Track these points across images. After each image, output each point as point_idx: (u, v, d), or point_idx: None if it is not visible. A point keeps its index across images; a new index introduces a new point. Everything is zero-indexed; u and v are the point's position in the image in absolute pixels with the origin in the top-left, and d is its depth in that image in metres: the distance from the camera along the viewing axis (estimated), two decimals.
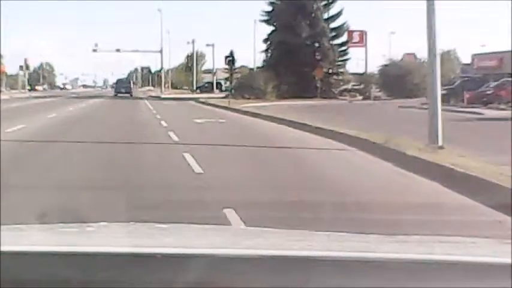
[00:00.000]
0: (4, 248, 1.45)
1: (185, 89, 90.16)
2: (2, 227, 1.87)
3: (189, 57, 69.41)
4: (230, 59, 42.57)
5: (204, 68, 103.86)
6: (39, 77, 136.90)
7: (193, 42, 64.88)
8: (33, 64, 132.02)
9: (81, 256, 1.46)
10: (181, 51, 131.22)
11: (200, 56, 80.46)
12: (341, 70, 53.68)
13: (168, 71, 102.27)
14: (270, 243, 1.83)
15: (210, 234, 2.02)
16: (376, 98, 46.09)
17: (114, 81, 77.18)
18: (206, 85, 73.07)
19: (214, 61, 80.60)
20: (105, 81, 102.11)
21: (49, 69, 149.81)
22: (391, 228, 4.01)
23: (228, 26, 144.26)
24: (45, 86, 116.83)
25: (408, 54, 57.75)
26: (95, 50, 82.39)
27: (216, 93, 72.99)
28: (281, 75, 47.91)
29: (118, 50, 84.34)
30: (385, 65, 51.66)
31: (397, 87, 46.63)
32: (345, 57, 53.81)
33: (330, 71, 52.34)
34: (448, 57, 48.36)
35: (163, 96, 64.58)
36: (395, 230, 2.94)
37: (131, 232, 2.00)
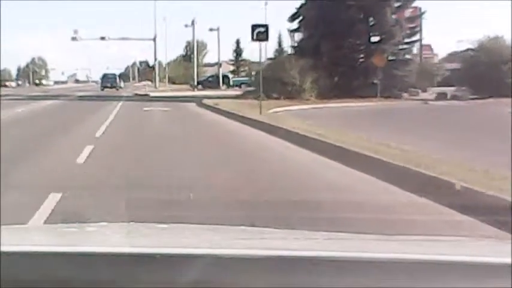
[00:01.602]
0: (4, 248, 1.45)
1: (184, 84, 76.69)
2: (2, 227, 1.87)
3: (188, 46, 48.86)
4: (262, 31, 21.84)
5: (205, 60, 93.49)
6: (34, 73, 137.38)
7: (193, 23, 45.11)
8: (25, 59, 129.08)
9: (81, 256, 1.48)
10: (180, 41, 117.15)
11: (201, 46, 61.24)
12: (408, 57, 38.61)
13: (166, 64, 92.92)
14: (270, 243, 1.81)
15: (210, 234, 1.97)
16: (456, 98, 33.99)
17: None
18: (210, 79, 56.06)
19: (220, 49, 60.69)
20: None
21: (41, 64, 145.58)
22: None
23: (232, 11, 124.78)
24: (20, 82, 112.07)
25: (424, 45, 47.11)
26: (74, 38, 72.61)
27: (223, 90, 62.00)
28: (321, 66, 33.47)
29: (103, 38, 74.57)
30: (471, 49, 37.56)
31: (484, 82, 32.80)
32: (413, 39, 38.42)
33: (394, 58, 36.79)
34: (495, 45, 36.74)
35: (153, 94, 51.12)
36: None
37: (131, 232, 1.97)
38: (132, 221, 2.34)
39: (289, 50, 39.74)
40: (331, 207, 6.05)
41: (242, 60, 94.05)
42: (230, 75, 69.30)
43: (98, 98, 41.31)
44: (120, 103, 30.68)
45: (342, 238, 1.90)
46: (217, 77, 63.14)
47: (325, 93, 31.51)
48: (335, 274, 1.35)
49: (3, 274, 1.34)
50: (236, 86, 66.30)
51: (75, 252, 1.48)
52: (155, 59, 68.68)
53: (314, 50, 33.61)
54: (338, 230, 3.44)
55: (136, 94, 50.13)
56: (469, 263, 1.40)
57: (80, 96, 44.67)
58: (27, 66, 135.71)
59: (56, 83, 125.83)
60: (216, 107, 24.24)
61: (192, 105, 28.32)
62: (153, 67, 69.11)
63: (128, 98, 39.28)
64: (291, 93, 31.43)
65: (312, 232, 2.00)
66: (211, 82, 62.69)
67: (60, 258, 1.43)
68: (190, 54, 56.55)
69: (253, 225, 2.20)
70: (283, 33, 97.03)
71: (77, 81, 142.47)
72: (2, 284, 1.35)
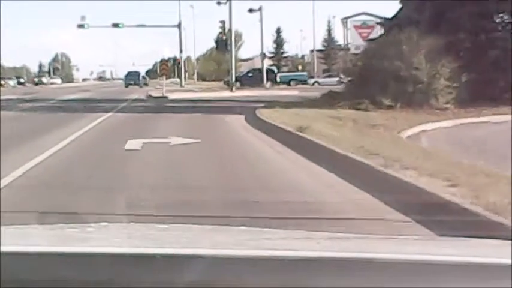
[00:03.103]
0: (4, 248, 1.49)
1: (216, 81, 63.79)
2: (2, 227, 1.92)
3: (223, 33, 30.65)
4: None
5: (239, 54, 75.62)
6: (55, 69, 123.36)
7: None
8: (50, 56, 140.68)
9: (81, 256, 1.53)
10: (210, 32, 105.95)
11: (236, 37, 44.14)
12: None
13: (195, 59, 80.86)
14: (270, 243, 1.84)
15: (210, 235, 1.99)
16: None
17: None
18: (250, 74, 35.94)
19: (263, 34, 44.66)
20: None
21: (65, 60, 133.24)
22: None
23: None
24: (22, 79, 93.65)
25: None
26: (81, 26, 56.80)
27: (268, 88, 45.66)
28: (442, 51, 19.77)
29: (116, 25, 58.38)
30: None
31: None
32: None
33: None
34: None
35: (174, 96, 35.44)
36: None
37: (131, 233, 1.96)
38: (132, 221, 2.41)
39: (342, 41, 37.25)
40: None
41: (284, 55, 79.80)
42: (276, 70, 54.14)
43: (86, 103, 30.77)
44: (104, 117, 20.16)
45: (342, 238, 1.93)
46: (260, 71, 48.05)
47: (466, 99, 19.23)
48: (335, 274, 1.39)
49: (3, 274, 1.37)
50: (284, 83, 55.55)
51: (75, 252, 1.52)
52: (180, 51, 56.22)
53: (429, 26, 20.58)
54: None
55: (150, 96, 38.58)
56: (469, 263, 1.44)
57: (63, 101, 34.32)
58: (51, 62, 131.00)
59: (84, 80, 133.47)
60: (310, 139, 11.53)
61: (240, 123, 17.13)
62: (177, 60, 54.26)
63: (131, 104, 29.56)
64: (413, 98, 18.99)
65: (312, 232, 1.99)
66: (252, 78, 49.76)
67: (60, 258, 1.46)
68: (226, 40, 40.90)
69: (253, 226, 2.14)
70: (334, 20, 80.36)
71: (100, 78, 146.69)
72: (2, 284, 1.37)
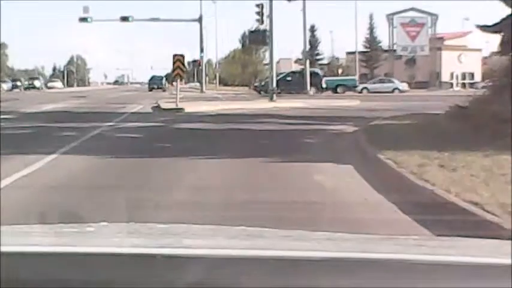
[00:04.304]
0: (4, 248, 1.52)
1: (240, 86, 60.14)
2: (2, 227, 1.92)
3: (259, 22, 18.51)
4: None
5: (265, 58, 70.67)
6: (70, 73, 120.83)
7: None
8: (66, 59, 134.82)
9: (81, 256, 1.55)
10: (232, 32, 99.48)
11: (267, 37, 33.14)
12: None
13: (218, 63, 73.62)
14: (270, 244, 1.85)
15: (210, 235, 2.01)
16: None
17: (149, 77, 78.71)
18: (288, 78, 21.98)
19: (305, 29, 34.10)
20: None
21: (80, 63, 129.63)
22: None
23: None
24: (19, 83, 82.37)
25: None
26: (83, 19, 52.93)
27: (313, 95, 39.67)
28: None
29: (125, 19, 53.99)
30: None
31: None
32: None
33: None
34: None
35: (191, 108, 26.06)
36: None
37: (131, 232, 2.00)
38: (132, 221, 2.21)
39: (387, 41, 34.22)
40: None
41: (318, 54, 69.18)
42: (321, 73, 43.88)
43: (50, 122, 19.72)
44: (19, 175, 8.67)
45: (342, 238, 1.92)
46: (301, 74, 37.54)
47: None
48: (335, 274, 1.41)
49: (3, 274, 1.38)
50: (330, 89, 46.54)
51: (75, 252, 1.54)
52: (201, 50, 45.36)
53: None
54: None
55: (158, 106, 28.92)
56: (469, 263, 1.45)
57: (26, 115, 23.78)
58: (66, 65, 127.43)
59: (103, 83, 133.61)
60: None
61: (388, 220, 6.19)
62: (197, 62, 44.72)
63: (118, 126, 18.16)
64: None
65: (312, 232, 1.97)
66: (291, 83, 38.26)
67: (60, 258, 1.49)
68: (265, 31, 30.90)
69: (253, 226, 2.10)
70: (378, 17, 67.68)
71: (116, 82, 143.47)
72: (2, 284, 1.38)
